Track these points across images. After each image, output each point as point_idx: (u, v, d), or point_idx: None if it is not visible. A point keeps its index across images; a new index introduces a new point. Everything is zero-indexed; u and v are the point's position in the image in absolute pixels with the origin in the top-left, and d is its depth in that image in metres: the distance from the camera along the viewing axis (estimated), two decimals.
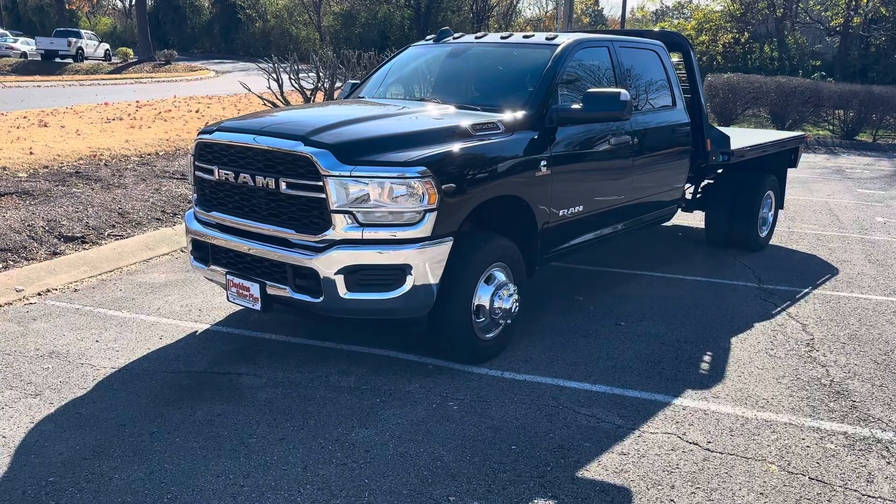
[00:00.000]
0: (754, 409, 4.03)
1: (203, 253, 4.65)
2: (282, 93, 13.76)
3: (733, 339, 5.04)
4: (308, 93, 13.80)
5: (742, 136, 7.68)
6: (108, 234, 6.78)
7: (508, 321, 4.55)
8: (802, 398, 4.18)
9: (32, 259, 6.02)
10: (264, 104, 13.67)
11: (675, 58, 6.91)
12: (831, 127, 18.89)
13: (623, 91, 4.86)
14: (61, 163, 8.86)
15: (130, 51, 42.67)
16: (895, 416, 4.01)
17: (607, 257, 6.93)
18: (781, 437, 3.74)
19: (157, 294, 5.64)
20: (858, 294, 6.13)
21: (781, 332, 5.20)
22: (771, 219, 7.64)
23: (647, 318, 5.40)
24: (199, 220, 4.65)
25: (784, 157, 8.01)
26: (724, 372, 4.51)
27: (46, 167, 8.58)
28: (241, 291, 4.30)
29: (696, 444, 3.64)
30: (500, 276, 4.49)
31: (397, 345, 4.72)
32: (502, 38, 5.81)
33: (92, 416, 3.77)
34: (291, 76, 13.79)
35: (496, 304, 4.43)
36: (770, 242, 7.71)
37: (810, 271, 6.80)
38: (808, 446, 3.65)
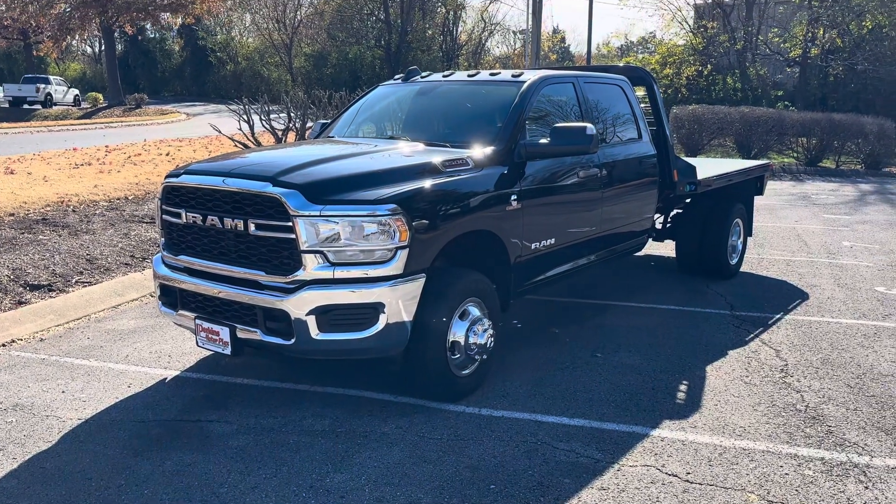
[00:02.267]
0: (732, 437, 4.02)
1: (171, 298, 4.57)
2: (253, 134, 13.76)
3: (708, 368, 5.05)
4: (279, 133, 13.83)
5: (708, 166, 7.81)
6: (76, 281, 6.65)
7: (484, 356, 4.52)
8: (779, 425, 4.18)
9: None
10: (235, 146, 13.66)
11: (640, 91, 7.04)
12: (795, 154, 19.32)
13: (589, 125, 4.92)
14: (28, 210, 8.73)
15: (100, 96, 42.54)
16: (870, 439, 4.02)
17: (581, 288, 6.95)
18: (760, 465, 3.72)
19: (126, 341, 5.53)
20: (829, 318, 6.20)
21: (755, 359, 5.22)
22: (740, 246, 7.74)
23: (623, 348, 5.40)
24: (167, 265, 4.59)
25: (750, 185, 8.15)
26: (700, 401, 4.50)
27: (12, 214, 8.44)
28: (210, 336, 4.23)
29: (676, 475, 3.61)
30: (475, 311, 4.47)
31: (372, 384, 4.65)
32: (469, 75, 5.88)
33: (57, 469, 3.64)
34: (262, 117, 13.82)
35: (471, 340, 4.40)
36: (741, 269, 7.79)
37: (781, 297, 6.87)
38: (786, 474, 3.64)
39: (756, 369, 5.03)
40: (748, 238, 8.03)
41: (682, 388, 4.72)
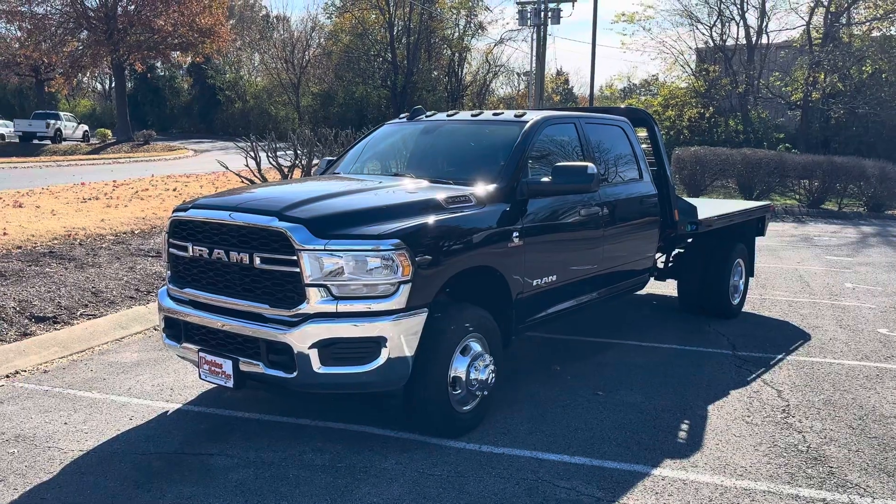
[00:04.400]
0: (733, 477, 4.01)
1: (176, 330, 4.61)
2: (259, 170, 13.92)
3: (710, 407, 5.04)
4: (285, 170, 13.98)
5: (710, 207, 7.88)
6: (81, 314, 6.69)
7: (485, 392, 4.53)
8: (780, 465, 4.17)
9: (2, 340, 5.91)
10: (242, 181, 13.80)
11: (642, 133, 7.15)
12: (798, 196, 19.43)
13: (590, 164, 5.00)
14: (35, 243, 8.81)
15: (109, 132, 43.07)
16: (872, 481, 4.00)
17: (583, 326, 6.97)
18: None
19: (129, 374, 5.55)
20: (831, 359, 6.19)
21: (757, 399, 5.21)
22: (742, 286, 7.77)
23: (625, 386, 5.40)
24: (173, 298, 4.63)
25: (752, 225, 8.21)
26: (701, 440, 4.49)
27: (20, 247, 8.52)
28: (213, 369, 4.25)
29: None
30: (476, 347, 4.49)
31: (373, 419, 4.65)
32: (473, 115, 5.99)
33: (57, 501, 3.64)
34: (269, 154, 13.99)
35: (472, 376, 4.41)
36: (742, 309, 7.81)
37: (783, 338, 6.87)
38: None
39: (758, 409, 5.02)
40: (750, 278, 8.06)
41: (684, 427, 4.71)
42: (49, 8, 39.01)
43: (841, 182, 18.76)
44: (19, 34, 41.58)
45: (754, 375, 5.73)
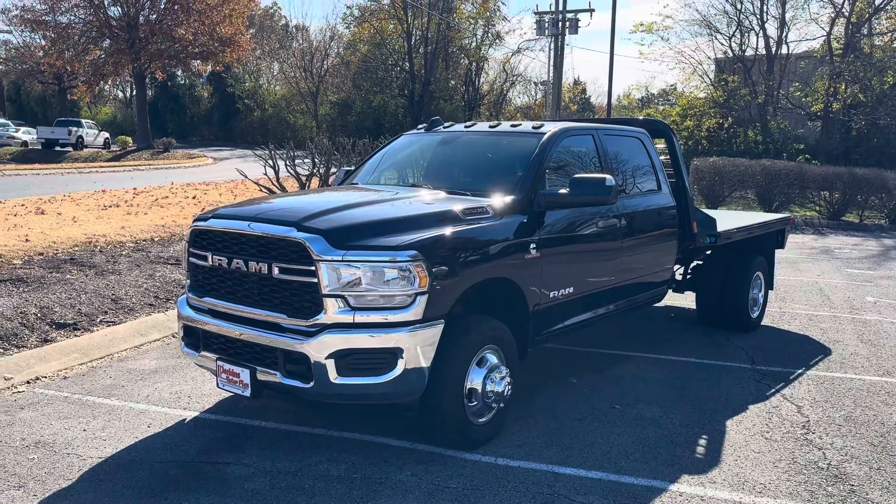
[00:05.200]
0: (751, 494, 3.96)
1: (194, 339, 4.64)
2: (277, 179, 14.01)
3: (728, 422, 4.99)
4: (303, 179, 14.06)
5: (729, 219, 7.82)
6: (101, 321, 6.76)
7: (501, 405, 4.51)
8: (800, 482, 4.11)
9: (23, 346, 5.99)
10: (260, 190, 13.91)
11: (660, 144, 7.12)
12: (818, 208, 19.24)
13: (608, 176, 4.99)
14: (56, 249, 8.92)
15: (129, 139, 43.60)
16: (894, 499, 3.94)
17: (600, 338, 6.93)
18: None
19: (147, 381, 5.59)
20: (852, 375, 6.12)
21: (777, 415, 5.15)
22: (761, 299, 7.70)
23: (642, 400, 5.36)
24: (192, 306, 4.67)
25: (771, 238, 8.14)
26: (720, 456, 4.45)
27: (41, 254, 8.63)
28: (231, 378, 4.28)
29: None
30: (493, 359, 4.48)
31: (389, 430, 4.65)
32: (491, 126, 6.00)
33: None
34: (287, 163, 14.08)
35: (489, 388, 4.40)
36: (762, 323, 7.73)
37: (803, 352, 6.80)
38: None
39: (777, 425, 4.96)
40: (769, 291, 7.99)
41: (702, 442, 4.66)
42: (73, 17, 39.67)
43: (862, 194, 18.55)
44: (43, 43, 42.32)
45: (774, 390, 5.67)
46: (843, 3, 27.87)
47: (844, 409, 5.28)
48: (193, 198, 16.20)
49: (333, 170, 13.89)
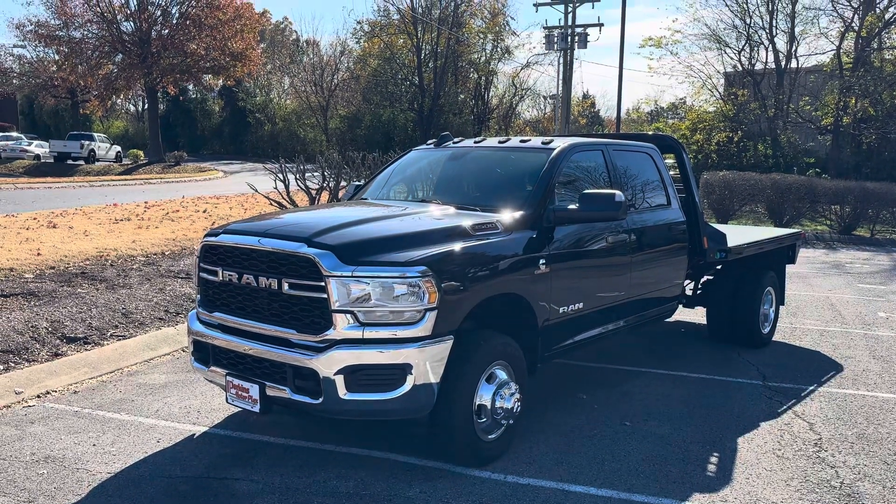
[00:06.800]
0: None
1: (204, 354, 4.65)
2: (288, 193, 14.07)
3: (740, 440, 4.95)
4: (313, 193, 14.12)
5: (739, 234, 7.79)
6: (111, 335, 6.79)
7: (511, 421, 4.49)
8: (812, 501, 4.07)
9: (34, 360, 6.01)
10: (270, 204, 13.97)
11: (670, 159, 7.11)
12: (829, 222, 19.15)
13: (618, 192, 4.98)
14: (68, 263, 8.98)
15: (141, 152, 43.98)
16: None
17: (610, 354, 6.90)
18: None
19: (157, 395, 5.60)
20: (865, 391, 6.06)
21: (788, 432, 5.11)
22: (772, 315, 7.65)
23: (653, 417, 5.33)
24: (202, 321, 4.68)
25: (782, 253, 8.10)
26: (731, 474, 4.41)
27: (53, 268, 8.69)
28: (240, 393, 4.28)
29: None
30: (502, 375, 4.47)
31: (397, 447, 4.64)
32: (500, 142, 6.01)
33: None
34: (297, 176, 14.15)
35: (498, 404, 4.39)
36: (773, 338, 7.68)
37: (815, 368, 6.74)
38: None
39: (789, 443, 4.91)
40: (780, 307, 7.94)
41: (713, 459, 4.62)
42: (86, 32, 40.18)
43: (873, 208, 18.45)
44: (57, 57, 42.85)
45: (785, 407, 5.63)
46: (853, 17, 27.86)
47: (857, 427, 5.23)
48: (204, 212, 16.28)
49: (343, 183, 13.93)
